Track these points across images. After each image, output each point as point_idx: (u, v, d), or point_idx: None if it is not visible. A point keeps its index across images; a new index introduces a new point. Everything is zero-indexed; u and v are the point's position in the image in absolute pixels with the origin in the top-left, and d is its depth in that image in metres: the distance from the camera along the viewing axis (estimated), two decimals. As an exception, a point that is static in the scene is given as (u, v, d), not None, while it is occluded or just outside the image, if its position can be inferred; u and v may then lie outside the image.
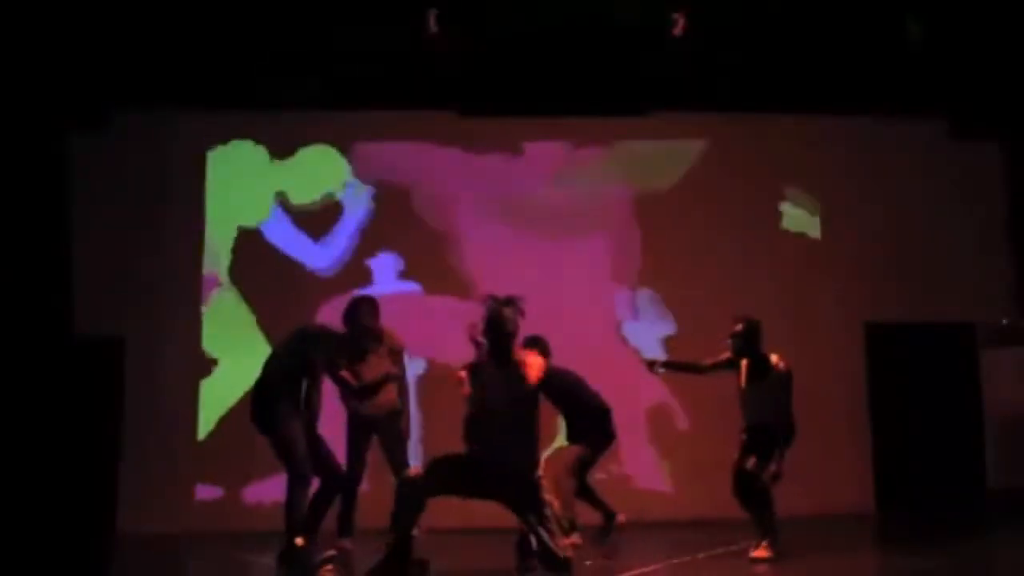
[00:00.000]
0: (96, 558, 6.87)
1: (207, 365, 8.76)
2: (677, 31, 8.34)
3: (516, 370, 5.49)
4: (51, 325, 8.43)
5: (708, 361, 6.61)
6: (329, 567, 5.73)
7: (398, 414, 6.91)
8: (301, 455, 5.99)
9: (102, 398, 8.48)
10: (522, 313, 5.59)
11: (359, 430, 6.90)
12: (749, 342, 6.37)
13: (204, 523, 8.31)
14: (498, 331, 5.53)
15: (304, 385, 6.07)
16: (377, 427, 6.88)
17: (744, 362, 6.41)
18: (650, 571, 5.72)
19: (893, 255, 9.24)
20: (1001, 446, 8.95)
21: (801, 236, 9.35)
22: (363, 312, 6.82)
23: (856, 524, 8.07)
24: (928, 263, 9.26)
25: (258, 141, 9.13)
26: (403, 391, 7.02)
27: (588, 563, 5.77)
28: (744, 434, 6.34)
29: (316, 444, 6.11)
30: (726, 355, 6.50)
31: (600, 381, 7.21)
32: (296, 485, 5.98)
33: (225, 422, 8.65)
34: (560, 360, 6.78)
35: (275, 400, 6.05)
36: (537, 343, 6.58)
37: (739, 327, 6.40)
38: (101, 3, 8.10)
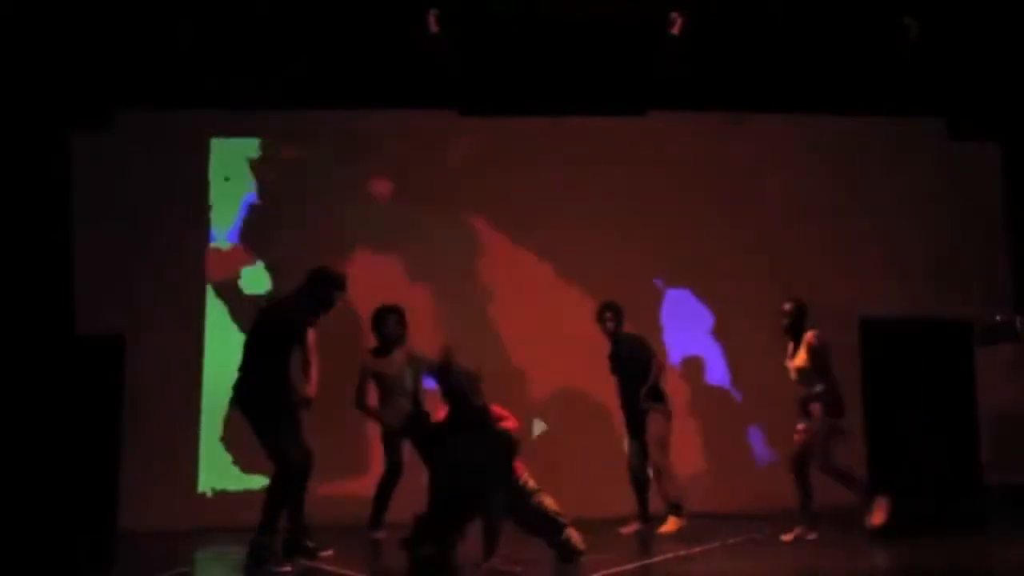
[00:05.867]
0: (97, 555, 6.90)
1: (209, 363, 8.79)
2: (675, 30, 8.37)
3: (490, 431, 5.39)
4: (53, 324, 8.47)
5: None
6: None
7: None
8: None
9: (103, 396, 8.50)
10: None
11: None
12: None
13: (204, 520, 8.35)
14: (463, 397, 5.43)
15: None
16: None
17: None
18: (651, 564, 5.74)
19: (890, 253, 9.28)
20: (996, 443, 8.96)
21: (799, 233, 9.38)
22: (390, 322, 7.06)
23: (849, 518, 8.07)
24: (925, 261, 9.29)
25: (260, 140, 9.17)
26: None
27: (585, 558, 5.78)
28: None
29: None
30: None
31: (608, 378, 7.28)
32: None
33: (226, 419, 8.69)
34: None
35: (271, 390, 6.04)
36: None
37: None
38: (103, 3, 8.13)
